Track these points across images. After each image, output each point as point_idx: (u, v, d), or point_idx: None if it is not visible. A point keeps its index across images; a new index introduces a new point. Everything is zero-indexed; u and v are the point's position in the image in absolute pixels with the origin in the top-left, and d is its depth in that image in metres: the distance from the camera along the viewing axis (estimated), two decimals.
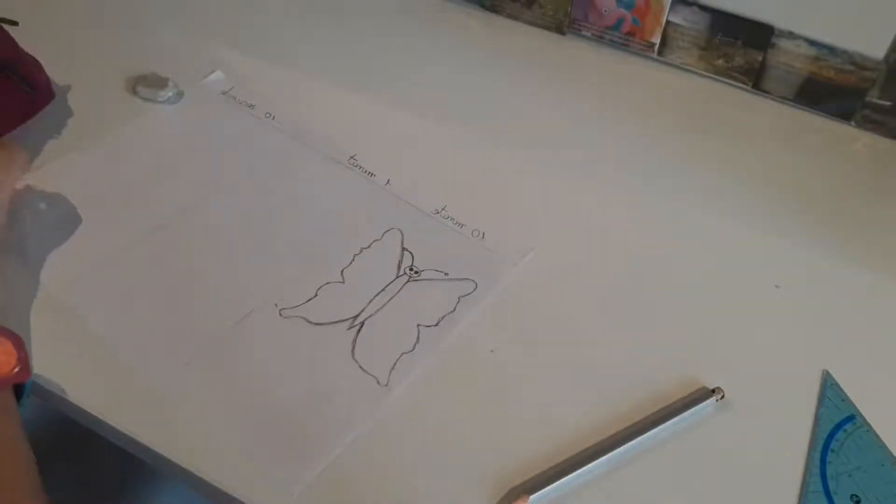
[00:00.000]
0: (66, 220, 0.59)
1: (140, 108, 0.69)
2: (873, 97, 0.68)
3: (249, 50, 0.76)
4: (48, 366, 0.50)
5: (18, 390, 0.47)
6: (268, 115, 0.69)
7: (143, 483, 1.02)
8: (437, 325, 0.54)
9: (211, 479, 0.46)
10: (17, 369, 0.46)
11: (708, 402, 0.49)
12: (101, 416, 0.48)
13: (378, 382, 0.50)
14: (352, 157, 0.65)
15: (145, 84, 0.70)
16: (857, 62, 0.67)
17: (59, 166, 0.63)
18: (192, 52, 0.75)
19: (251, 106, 0.70)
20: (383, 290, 0.56)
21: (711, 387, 0.50)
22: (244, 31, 0.78)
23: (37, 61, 0.65)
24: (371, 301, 0.55)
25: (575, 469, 0.46)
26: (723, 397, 0.50)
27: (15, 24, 0.65)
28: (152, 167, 0.64)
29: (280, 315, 0.54)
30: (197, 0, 0.82)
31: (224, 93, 0.71)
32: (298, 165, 0.64)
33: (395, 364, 0.51)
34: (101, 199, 0.61)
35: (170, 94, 0.69)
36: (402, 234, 0.59)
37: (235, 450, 0.47)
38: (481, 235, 0.60)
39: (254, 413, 0.49)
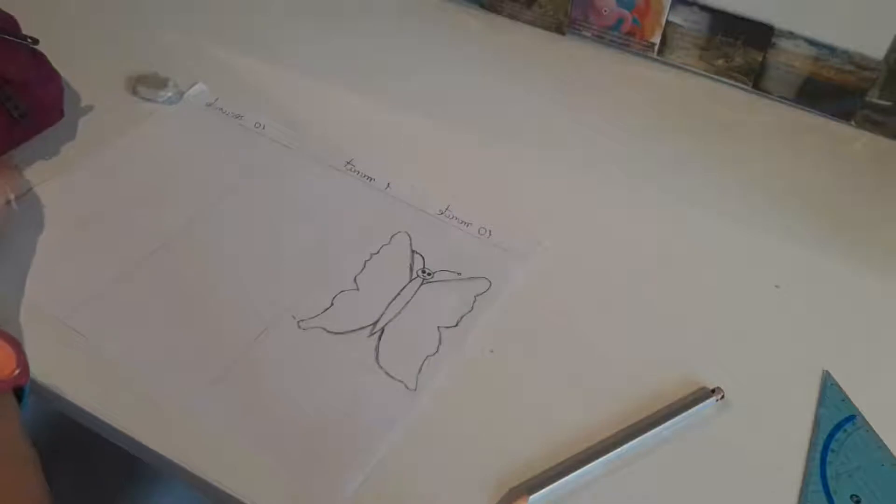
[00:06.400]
0: (48, 216, 0.59)
1: (140, 108, 0.69)
2: (873, 97, 0.68)
3: (246, 50, 0.76)
4: (52, 368, 0.50)
5: (17, 393, 0.47)
6: (257, 125, 0.68)
7: (144, 484, 1.02)
8: (457, 325, 0.54)
9: (243, 497, 0.45)
10: (17, 372, 0.46)
11: (708, 402, 0.49)
12: (125, 431, 0.48)
13: (406, 387, 0.50)
14: (348, 163, 0.65)
15: (145, 84, 0.70)
16: (857, 62, 0.67)
17: (59, 183, 0.62)
18: (192, 51, 0.75)
19: (238, 116, 0.69)
20: (399, 294, 0.55)
21: (711, 387, 0.50)
22: (243, 32, 0.78)
23: (52, 79, 0.65)
24: (388, 306, 0.55)
25: (575, 469, 0.46)
26: (723, 397, 0.50)
27: (35, 42, 0.64)
28: (151, 184, 0.63)
29: (299, 327, 0.53)
30: (197, 0, 0.82)
31: (209, 105, 0.70)
32: (295, 175, 0.64)
33: (421, 367, 0.51)
34: (103, 216, 0.60)
35: (170, 93, 0.69)
36: (410, 237, 0.59)
37: (273, 467, 0.46)
38: (488, 233, 0.60)
39: (287, 427, 0.48)
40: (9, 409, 0.45)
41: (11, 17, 0.64)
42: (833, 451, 0.48)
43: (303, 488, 0.45)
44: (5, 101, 0.61)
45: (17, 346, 0.47)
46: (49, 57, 0.66)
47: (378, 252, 0.58)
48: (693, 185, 0.65)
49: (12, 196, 0.59)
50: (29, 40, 0.63)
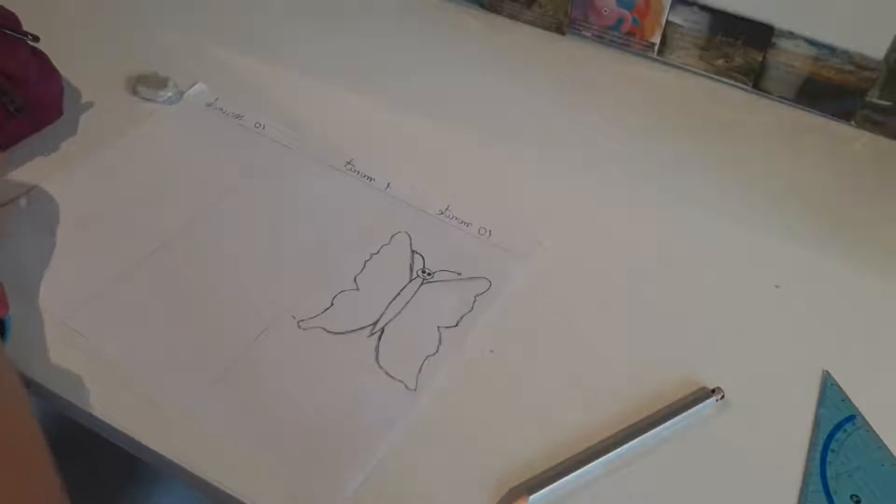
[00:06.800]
0: (48, 216, 0.59)
1: (140, 108, 0.69)
2: (873, 97, 0.68)
3: (246, 50, 0.76)
4: (52, 367, 0.50)
5: None
6: (257, 125, 0.68)
7: (144, 484, 1.02)
8: (457, 325, 0.54)
9: (243, 497, 0.45)
10: None
11: (708, 402, 0.49)
12: (124, 431, 0.48)
13: (406, 387, 0.50)
14: (348, 163, 0.65)
15: (145, 84, 0.70)
16: (857, 62, 0.67)
17: (59, 183, 0.61)
18: (192, 51, 0.75)
19: (238, 116, 0.68)
20: (399, 294, 0.55)
21: (711, 387, 0.50)
22: (243, 32, 0.78)
23: (53, 78, 0.64)
24: (388, 306, 0.55)
25: (575, 469, 0.46)
26: (723, 397, 0.50)
27: (36, 38, 0.64)
28: (151, 184, 0.63)
29: (299, 327, 0.53)
30: (197, 1, 0.82)
31: (209, 105, 0.69)
32: (295, 175, 0.64)
33: (421, 367, 0.51)
34: (103, 216, 0.60)
35: (170, 93, 0.69)
36: (410, 237, 0.59)
37: (273, 467, 0.46)
38: (488, 233, 0.60)
39: (287, 427, 0.48)
40: None
41: (12, 14, 0.64)
42: (833, 451, 0.48)
43: (303, 488, 0.45)
44: (1, 96, 0.61)
45: None
46: (49, 56, 0.66)
47: (378, 252, 0.58)
48: (693, 185, 0.65)
49: (19, 194, 0.59)
50: (30, 36, 0.63)
